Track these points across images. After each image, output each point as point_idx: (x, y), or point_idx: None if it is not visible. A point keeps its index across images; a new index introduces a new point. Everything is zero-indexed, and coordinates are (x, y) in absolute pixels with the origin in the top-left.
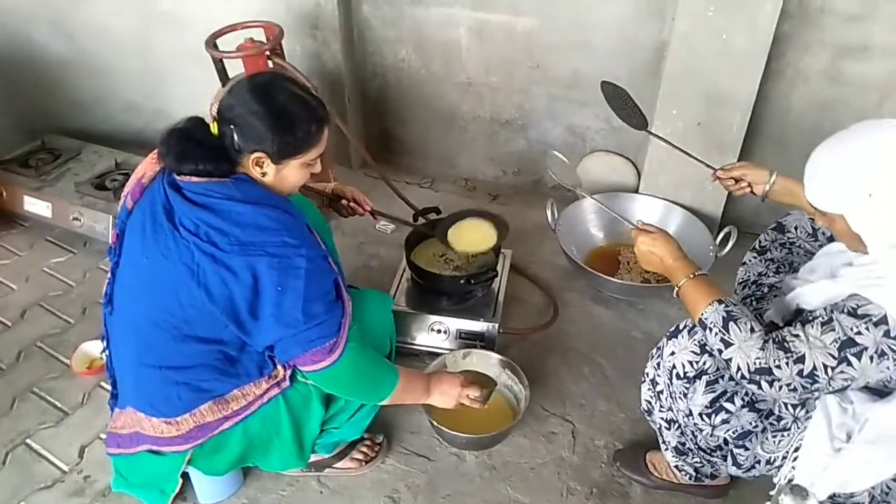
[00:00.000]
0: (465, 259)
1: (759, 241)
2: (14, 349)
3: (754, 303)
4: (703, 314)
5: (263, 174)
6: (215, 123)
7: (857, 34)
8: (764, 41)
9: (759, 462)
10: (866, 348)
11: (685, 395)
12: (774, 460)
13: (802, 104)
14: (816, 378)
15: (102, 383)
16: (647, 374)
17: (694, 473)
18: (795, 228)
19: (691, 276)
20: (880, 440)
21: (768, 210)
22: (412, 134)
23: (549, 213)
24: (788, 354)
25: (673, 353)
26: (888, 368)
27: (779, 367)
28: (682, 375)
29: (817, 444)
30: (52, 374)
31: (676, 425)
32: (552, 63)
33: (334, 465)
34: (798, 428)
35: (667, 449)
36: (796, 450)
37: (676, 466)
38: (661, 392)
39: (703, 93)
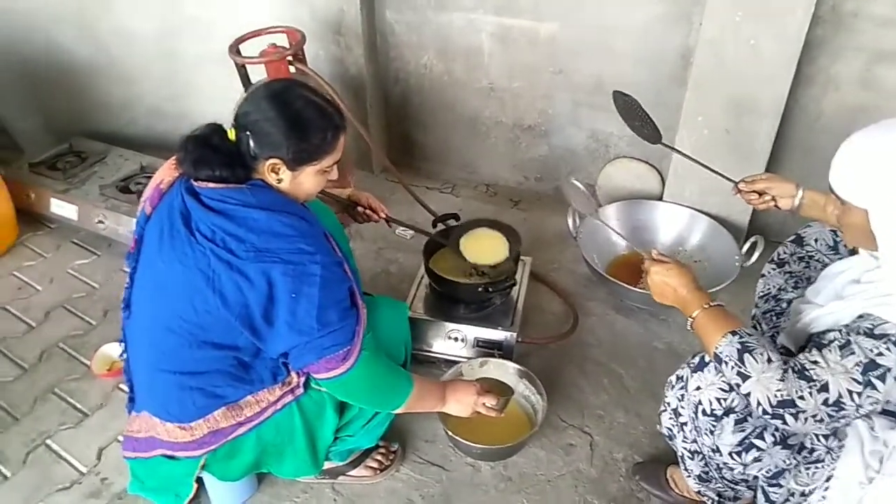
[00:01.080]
0: (487, 268)
1: (778, 254)
2: (37, 349)
3: (774, 318)
4: (717, 347)
5: (279, 180)
6: (232, 129)
7: (891, 39)
8: (794, 47)
9: (792, 495)
10: (889, 369)
11: (712, 433)
12: (809, 493)
13: (833, 111)
14: (843, 406)
15: (121, 385)
16: (669, 402)
17: (717, 498)
18: (815, 241)
19: (705, 306)
20: None
21: (797, 219)
22: (434, 139)
23: (570, 220)
24: (811, 383)
25: (699, 388)
26: None
27: (802, 397)
28: (708, 412)
29: (851, 473)
30: (73, 375)
31: (700, 456)
32: (575, 69)
33: (348, 473)
34: (832, 458)
35: (689, 476)
36: (827, 479)
37: (699, 492)
38: (685, 424)
39: (730, 100)
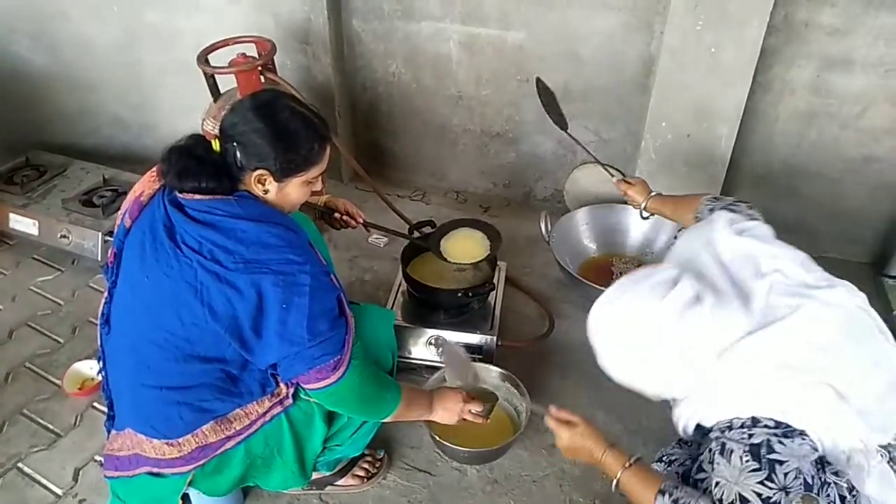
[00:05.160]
0: (470, 266)
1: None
2: (2, 370)
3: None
4: None
5: (265, 191)
6: (216, 141)
7: (840, 47)
8: (751, 55)
9: None
10: (768, 440)
11: None
12: None
13: (789, 115)
14: (772, 501)
15: (96, 404)
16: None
17: None
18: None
19: (626, 465)
20: None
21: None
22: (403, 147)
23: (542, 224)
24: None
25: None
26: (810, 444)
27: None
28: None
29: None
30: (42, 395)
31: None
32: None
33: (336, 483)
34: None
35: None
36: None
37: None
38: None
39: (691, 105)
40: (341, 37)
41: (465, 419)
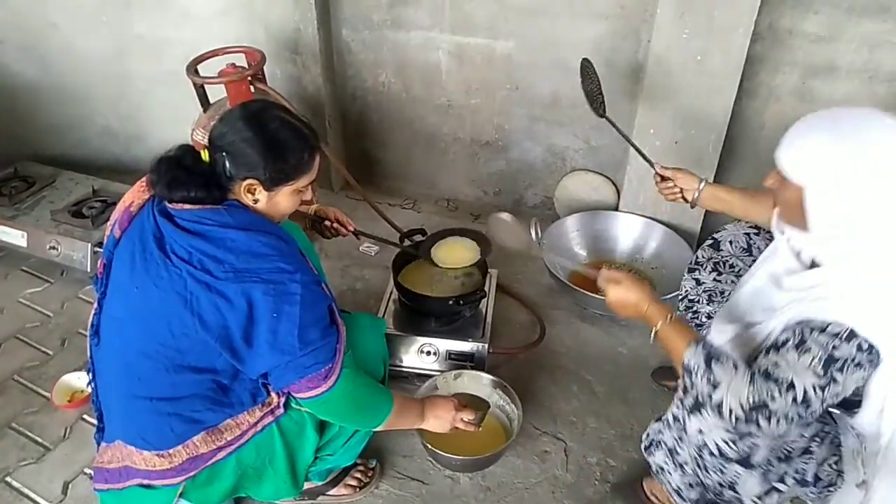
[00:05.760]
0: (462, 273)
1: (696, 258)
2: None
3: (694, 329)
4: (685, 359)
5: (255, 201)
6: (206, 150)
7: (824, 55)
8: (737, 62)
9: None
10: (846, 360)
11: (722, 472)
12: None
13: (774, 122)
14: (810, 402)
15: (85, 416)
16: (664, 442)
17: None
18: (730, 243)
19: (667, 318)
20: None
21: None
22: (393, 156)
23: (532, 231)
24: (778, 383)
25: (701, 432)
26: (862, 379)
27: (773, 398)
28: (717, 454)
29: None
30: (31, 408)
31: (700, 486)
32: (531, 85)
33: (328, 493)
34: (842, 480)
35: (672, 494)
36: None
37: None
38: (686, 463)
39: (679, 112)
40: (331, 47)
41: (457, 427)
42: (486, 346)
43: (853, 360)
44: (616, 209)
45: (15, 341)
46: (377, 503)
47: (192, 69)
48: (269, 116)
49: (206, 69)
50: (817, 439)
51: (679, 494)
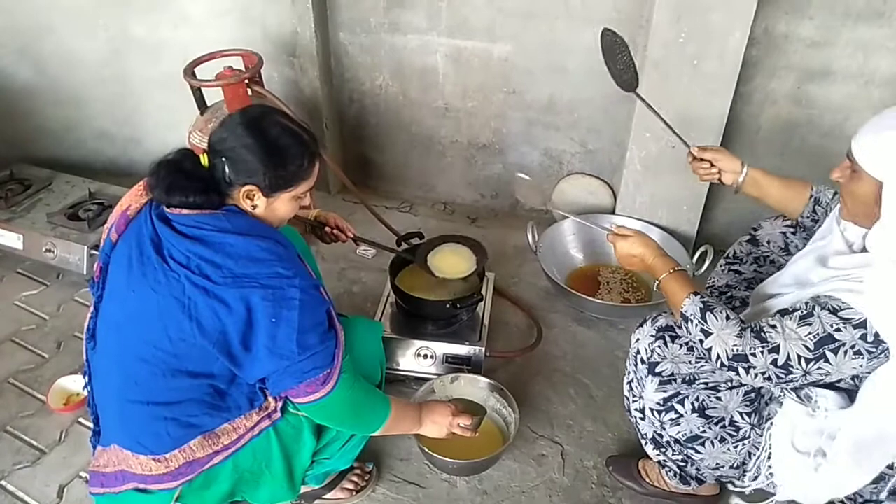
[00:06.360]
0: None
1: (734, 251)
2: None
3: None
4: (682, 307)
5: (254, 206)
6: (205, 155)
7: (819, 59)
8: (733, 66)
9: (721, 466)
10: (843, 344)
11: (638, 375)
12: (739, 465)
13: (770, 125)
14: (791, 369)
15: (81, 419)
16: (627, 368)
17: (678, 471)
18: (768, 242)
19: (671, 271)
20: (856, 450)
21: (741, 229)
22: (390, 159)
23: (529, 235)
24: (764, 344)
25: (638, 340)
26: (861, 366)
27: (754, 355)
28: (645, 360)
29: (786, 451)
30: (26, 411)
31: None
32: (528, 88)
33: (325, 496)
34: (756, 434)
35: (646, 444)
36: (769, 458)
37: (660, 462)
38: (632, 381)
39: (676, 116)
40: (328, 50)
41: (453, 433)
42: (483, 349)
43: (853, 346)
44: (613, 213)
45: (10, 344)
46: None
47: (189, 72)
48: (270, 122)
49: (204, 72)
50: (735, 387)
51: (639, 430)
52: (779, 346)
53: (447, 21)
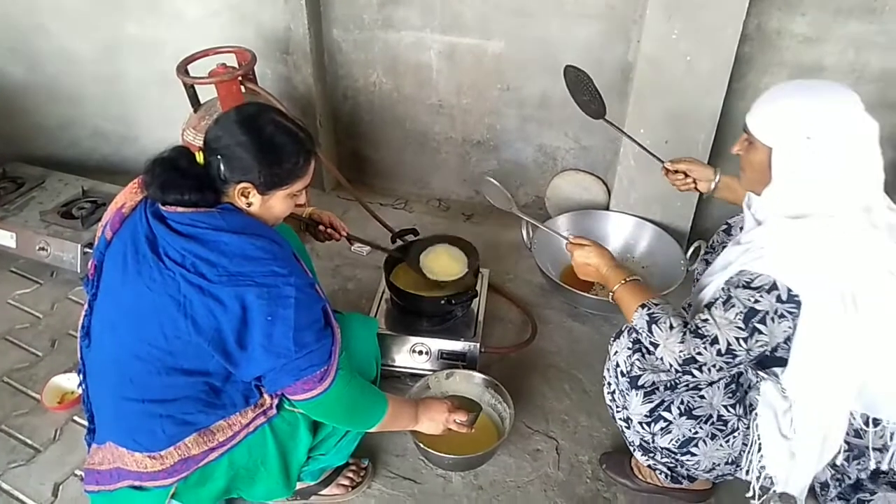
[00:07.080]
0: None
1: (711, 241)
2: None
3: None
4: (633, 320)
5: (249, 204)
6: (201, 153)
7: (811, 55)
8: (726, 62)
9: (717, 465)
10: (767, 312)
11: (621, 387)
12: (734, 460)
13: None
14: (735, 352)
15: (76, 417)
16: (605, 378)
17: (669, 472)
18: (740, 229)
19: (623, 281)
20: (811, 418)
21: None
22: (384, 155)
23: (524, 231)
24: (704, 339)
25: (616, 353)
26: (789, 328)
27: (700, 353)
28: (625, 373)
29: (773, 439)
30: (21, 409)
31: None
32: (522, 85)
33: (320, 492)
34: (744, 424)
35: (634, 450)
36: (760, 448)
37: (650, 466)
38: (614, 392)
39: (669, 112)
40: (322, 46)
41: (449, 429)
42: (478, 345)
43: (776, 311)
44: (607, 209)
45: (4, 343)
46: (369, 502)
47: (183, 69)
48: (265, 120)
49: (197, 69)
50: (714, 383)
51: (625, 437)
52: (717, 337)
53: (441, 18)
